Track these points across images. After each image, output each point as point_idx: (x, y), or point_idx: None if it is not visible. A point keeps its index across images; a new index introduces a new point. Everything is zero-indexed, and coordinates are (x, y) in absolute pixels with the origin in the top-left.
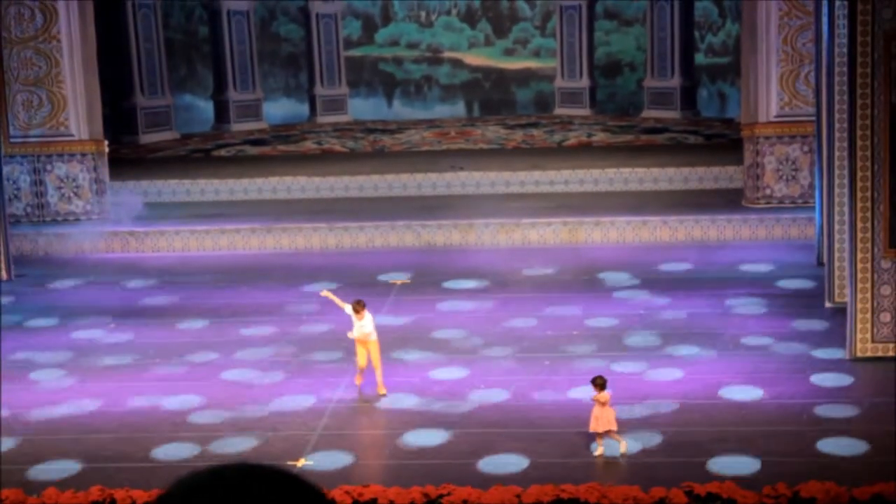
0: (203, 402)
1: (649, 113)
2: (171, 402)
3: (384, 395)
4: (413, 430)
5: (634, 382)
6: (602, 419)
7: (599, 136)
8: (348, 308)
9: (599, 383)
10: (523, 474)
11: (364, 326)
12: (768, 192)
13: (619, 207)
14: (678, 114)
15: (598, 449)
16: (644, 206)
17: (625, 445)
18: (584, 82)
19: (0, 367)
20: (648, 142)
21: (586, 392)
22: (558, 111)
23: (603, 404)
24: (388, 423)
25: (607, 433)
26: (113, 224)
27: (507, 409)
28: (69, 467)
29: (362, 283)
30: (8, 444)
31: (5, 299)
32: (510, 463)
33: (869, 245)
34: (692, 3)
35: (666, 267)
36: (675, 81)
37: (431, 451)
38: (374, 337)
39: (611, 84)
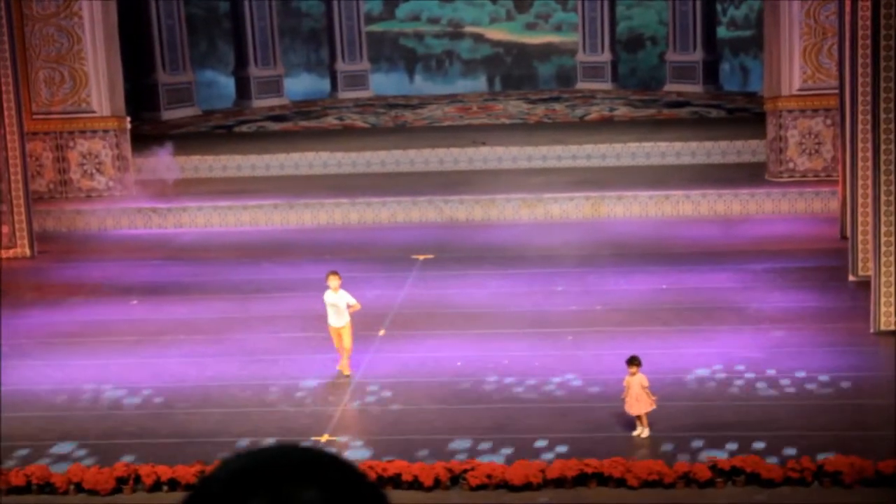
0: (226, 378)
1: (671, 87)
2: (195, 378)
3: (348, 376)
4: (436, 405)
5: (658, 357)
6: (643, 401)
7: (621, 111)
8: (325, 296)
9: (638, 363)
10: (547, 449)
11: (337, 306)
12: (791, 165)
13: (642, 182)
14: (700, 88)
15: (642, 431)
16: (666, 180)
17: (647, 432)
18: (606, 56)
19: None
20: (670, 116)
21: (610, 366)
22: (580, 85)
23: (644, 387)
24: (411, 398)
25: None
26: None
27: (531, 385)
28: (94, 443)
29: (385, 259)
30: (33, 420)
31: (30, 276)
32: (534, 438)
33: (892, 219)
34: None
35: (689, 241)
36: (697, 55)
37: (455, 427)
38: (344, 321)
39: (632, 58)
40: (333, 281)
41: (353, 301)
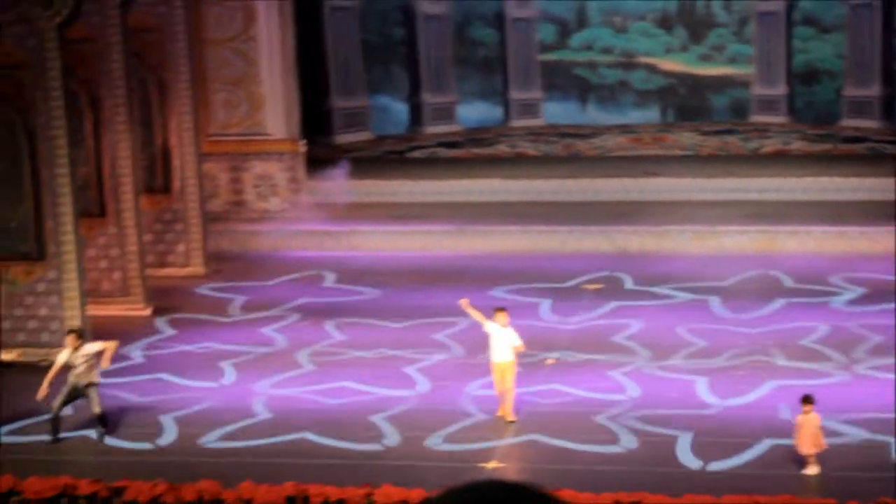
0: (398, 401)
1: (847, 122)
2: (364, 400)
3: (512, 423)
4: (603, 435)
5: (831, 394)
6: (815, 441)
7: (797, 145)
8: (487, 325)
9: (812, 402)
10: (717, 483)
11: (502, 343)
12: None
13: (816, 217)
14: (877, 123)
15: (813, 469)
16: (840, 215)
17: (818, 470)
18: (782, 90)
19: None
20: (847, 151)
21: (782, 402)
22: (754, 118)
23: (817, 426)
24: (578, 428)
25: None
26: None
27: (699, 418)
28: (264, 461)
29: (554, 288)
30: (209, 438)
31: (201, 291)
32: (703, 471)
33: None
34: (893, 9)
35: (866, 278)
36: (874, 90)
37: (622, 458)
38: (509, 359)
39: (808, 92)
40: (501, 318)
41: (517, 342)
